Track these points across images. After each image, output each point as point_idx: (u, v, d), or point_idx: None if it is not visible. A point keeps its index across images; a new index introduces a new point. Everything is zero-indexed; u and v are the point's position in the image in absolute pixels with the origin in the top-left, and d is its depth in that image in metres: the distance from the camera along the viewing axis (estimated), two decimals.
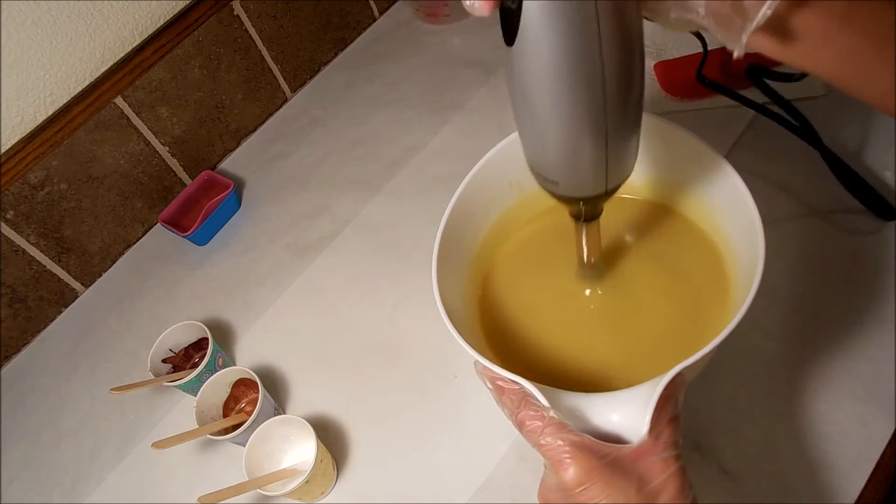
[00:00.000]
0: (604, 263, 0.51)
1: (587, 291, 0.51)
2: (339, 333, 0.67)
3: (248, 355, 0.68)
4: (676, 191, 0.52)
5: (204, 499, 0.49)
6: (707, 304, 0.48)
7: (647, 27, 0.33)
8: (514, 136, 0.49)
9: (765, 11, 0.27)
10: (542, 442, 0.35)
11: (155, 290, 0.76)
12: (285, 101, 0.90)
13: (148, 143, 0.77)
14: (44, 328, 0.77)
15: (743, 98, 0.63)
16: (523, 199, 0.54)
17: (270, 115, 0.89)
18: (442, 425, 0.59)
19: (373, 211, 0.75)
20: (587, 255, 0.47)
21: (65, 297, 0.78)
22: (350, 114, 0.85)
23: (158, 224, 0.79)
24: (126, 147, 0.75)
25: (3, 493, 0.66)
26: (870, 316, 0.55)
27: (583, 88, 0.32)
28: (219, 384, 0.60)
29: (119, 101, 0.72)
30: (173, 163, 0.80)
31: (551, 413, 0.36)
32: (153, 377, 0.62)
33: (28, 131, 0.69)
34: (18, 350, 0.76)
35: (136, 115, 0.74)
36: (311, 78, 0.91)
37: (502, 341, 0.50)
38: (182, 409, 0.66)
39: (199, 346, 0.66)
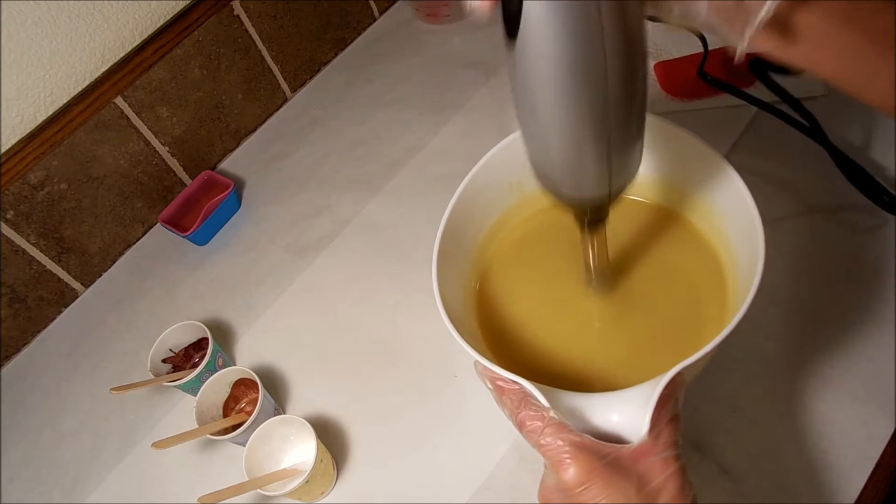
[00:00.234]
0: (611, 270, 0.50)
1: (587, 291, 0.51)
2: (339, 333, 0.67)
3: (248, 355, 0.68)
4: (676, 191, 0.52)
5: (204, 499, 0.49)
6: (707, 303, 0.48)
7: (647, 28, 0.33)
8: (515, 136, 0.49)
9: (767, 9, 0.27)
10: (543, 442, 0.35)
11: (155, 290, 0.76)
12: (285, 101, 0.90)
13: (148, 143, 0.77)
14: (44, 328, 0.77)
15: (746, 95, 0.62)
16: (523, 199, 0.54)
17: (270, 115, 0.89)
18: (442, 425, 0.59)
19: (373, 211, 0.75)
20: (594, 263, 0.47)
21: (65, 297, 0.78)
22: (350, 114, 0.85)
23: (158, 224, 0.79)
24: (126, 147, 0.75)
25: (3, 493, 0.66)
26: (870, 316, 0.55)
27: (585, 89, 0.31)
28: (219, 384, 0.60)
29: (119, 101, 0.72)
30: (173, 163, 0.80)
31: (551, 413, 0.36)
32: (153, 377, 0.62)
33: (28, 131, 0.69)
34: (18, 350, 0.76)
35: (136, 115, 0.74)
36: (311, 78, 0.91)
37: (502, 341, 0.50)
38: (182, 409, 0.66)
39: (199, 346, 0.66)
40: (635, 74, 0.32)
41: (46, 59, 0.67)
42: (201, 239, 0.78)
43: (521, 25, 0.30)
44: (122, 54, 0.73)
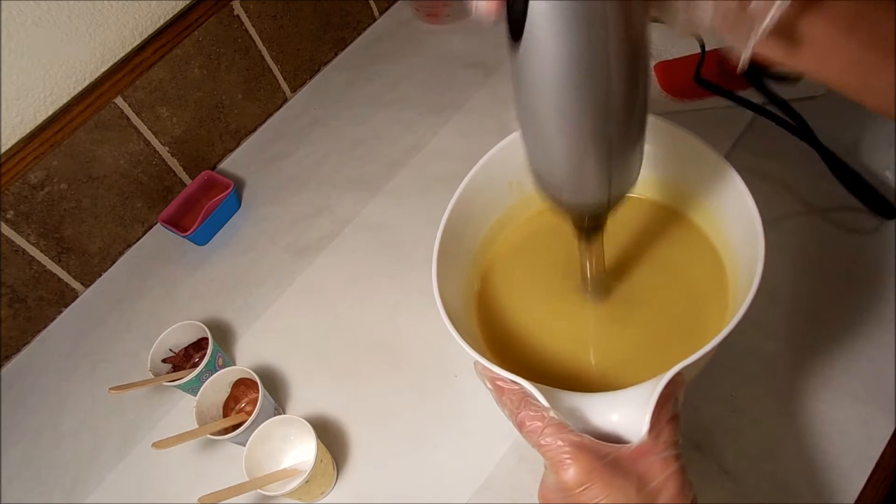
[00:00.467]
0: (608, 278, 0.50)
1: (587, 292, 0.51)
2: (339, 333, 0.67)
3: (248, 355, 0.68)
4: (676, 190, 0.52)
5: (204, 499, 0.49)
6: (706, 303, 0.48)
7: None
8: (514, 136, 0.49)
9: (772, 16, 0.27)
10: (543, 442, 0.35)
11: (155, 290, 0.76)
12: (285, 101, 0.90)
13: (148, 143, 0.77)
14: (44, 328, 0.77)
15: (740, 99, 0.63)
16: (523, 200, 0.54)
17: (270, 115, 0.89)
18: (442, 425, 0.59)
19: (373, 211, 0.75)
20: (591, 272, 0.47)
21: (65, 297, 0.78)
22: (350, 114, 0.85)
23: (158, 224, 0.79)
24: (126, 147, 0.75)
25: (3, 493, 0.66)
26: (870, 316, 0.55)
27: (589, 91, 0.31)
28: (219, 384, 0.60)
29: (119, 101, 0.72)
30: (173, 163, 0.80)
31: (551, 413, 0.36)
32: (153, 377, 0.62)
33: (28, 131, 0.69)
34: (18, 350, 0.76)
35: (136, 115, 0.74)
36: (311, 78, 0.91)
37: (502, 341, 0.50)
38: (182, 409, 0.66)
39: (199, 345, 0.66)
40: (638, 78, 0.32)
41: (46, 59, 0.67)
42: (201, 239, 0.78)
43: (527, 27, 0.29)
44: (122, 54, 0.73)
